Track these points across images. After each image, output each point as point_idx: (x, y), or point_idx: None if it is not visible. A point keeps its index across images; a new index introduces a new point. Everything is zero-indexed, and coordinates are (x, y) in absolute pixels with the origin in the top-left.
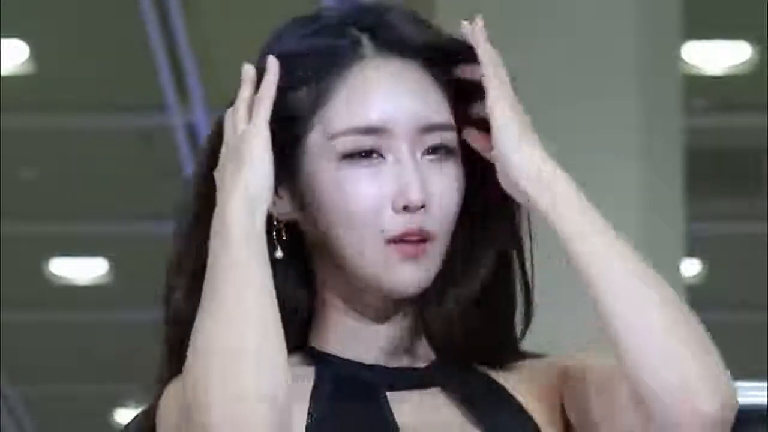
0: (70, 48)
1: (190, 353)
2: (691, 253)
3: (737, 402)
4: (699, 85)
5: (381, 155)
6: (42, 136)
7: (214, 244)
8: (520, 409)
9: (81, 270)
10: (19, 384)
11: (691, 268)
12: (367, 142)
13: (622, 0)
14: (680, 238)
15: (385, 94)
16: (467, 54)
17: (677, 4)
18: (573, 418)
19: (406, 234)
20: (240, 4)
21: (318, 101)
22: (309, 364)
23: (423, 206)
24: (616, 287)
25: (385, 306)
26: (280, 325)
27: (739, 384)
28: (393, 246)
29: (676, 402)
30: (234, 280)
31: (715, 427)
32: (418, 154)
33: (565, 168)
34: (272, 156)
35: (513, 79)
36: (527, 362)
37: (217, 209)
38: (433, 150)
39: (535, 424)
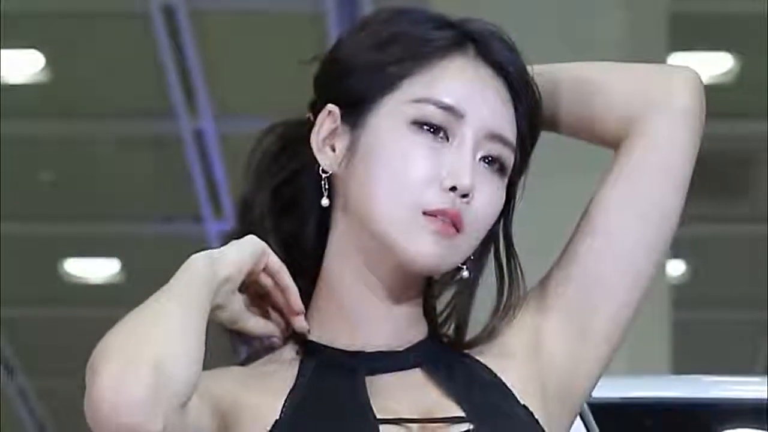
0: (83, 58)
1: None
2: (676, 255)
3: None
4: None
5: (446, 137)
6: (56, 142)
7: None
8: (502, 386)
9: (94, 269)
10: (35, 378)
11: (676, 268)
12: (439, 117)
13: (613, 15)
14: None
15: (472, 87)
16: (534, 92)
17: (664, 19)
18: (580, 298)
19: (444, 211)
20: (245, 19)
21: (410, 71)
22: (294, 358)
23: (467, 195)
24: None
25: (393, 285)
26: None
27: (722, 379)
28: (427, 217)
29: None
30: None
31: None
32: (478, 155)
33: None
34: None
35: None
36: (500, 336)
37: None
38: (490, 160)
39: (517, 399)
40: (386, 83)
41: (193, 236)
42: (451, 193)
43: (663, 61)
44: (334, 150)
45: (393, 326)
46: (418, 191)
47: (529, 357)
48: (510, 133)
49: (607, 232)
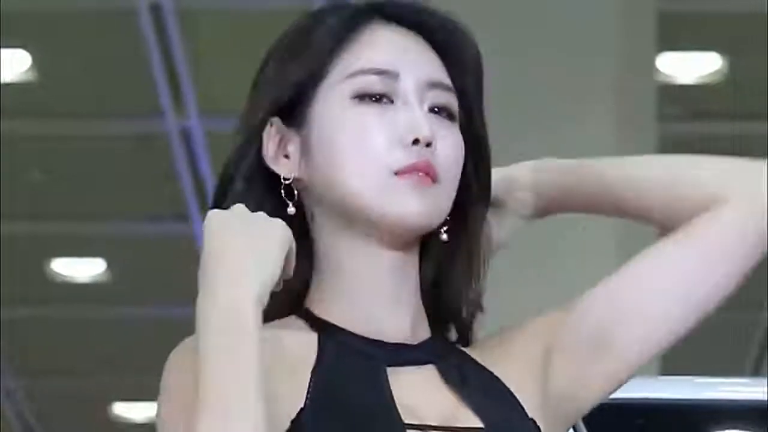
0: (70, 57)
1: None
2: None
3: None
4: (672, 94)
5: (390, 100)
6: (44, 141)
7: (223, 335)
8: (508, 393)
9: (80, 269)
10: (21, 377)
11: None
12: (377, 84)
13: (603, 14)
14: None
15: (394, 46)
16: (458, 36)
17: (653, 18)
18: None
19: (415, 166)
20: (232, 16)
21: (333, 58)
22: (310, 331)
23: (430, 144)
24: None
25: (391, 256)
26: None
27: (712, 380)
28: (400, 177)
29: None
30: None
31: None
32: (425, 107)
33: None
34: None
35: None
36: (501, 340)
37: (223, 299)
38: (438, 109)
39: (521, 406)
40: (315, 76)
41: (180, 235)
42: (415, 147)
43: (651, 60)
44: (288, 157)
45: (401, 308)
46: (382, 156)
47: (536, 369)
48: (444, 77)
49: (650, 291)
